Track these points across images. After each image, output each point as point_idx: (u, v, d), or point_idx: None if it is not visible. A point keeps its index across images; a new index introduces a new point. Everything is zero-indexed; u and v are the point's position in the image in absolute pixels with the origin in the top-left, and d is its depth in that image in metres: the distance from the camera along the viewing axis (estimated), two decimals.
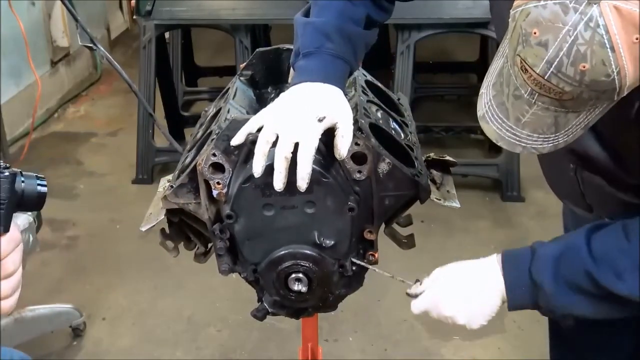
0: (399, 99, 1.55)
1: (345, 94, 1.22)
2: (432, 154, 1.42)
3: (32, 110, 4.00)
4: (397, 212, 1.28)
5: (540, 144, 1.07)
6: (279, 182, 1.12)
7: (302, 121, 1.13)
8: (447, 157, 1.42)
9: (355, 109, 1.28)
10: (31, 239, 2.25)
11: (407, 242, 1.34)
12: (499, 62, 1.10)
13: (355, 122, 1.20)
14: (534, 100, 1.03)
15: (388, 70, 3.86)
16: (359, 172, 1.18)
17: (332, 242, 1.21)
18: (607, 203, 1.33)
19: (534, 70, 0.99)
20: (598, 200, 1.36)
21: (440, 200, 1.32)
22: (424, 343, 2.65)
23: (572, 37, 0.95)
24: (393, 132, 1.36)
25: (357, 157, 1.18)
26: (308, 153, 1.11)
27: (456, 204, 1.33)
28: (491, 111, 1.09)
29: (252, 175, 1.16)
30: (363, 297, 2.80)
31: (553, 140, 1.06)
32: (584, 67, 0.95)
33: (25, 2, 4.32)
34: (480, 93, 1.12)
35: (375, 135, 1.24)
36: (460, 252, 3.37)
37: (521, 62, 1.01)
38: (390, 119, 1.41)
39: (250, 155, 1.15)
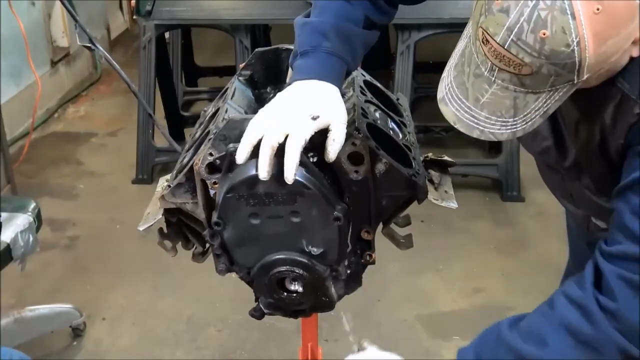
0: (397, 99, 1.55)
1: (343, 94, 1.22)
2: (430, 154, 1.42)
3: (32, 110, 4.00)
4: (395, 212, 1.28)
5: (499, 129, 1.05)
6: (263, 171, 1.08)
7: (295, 117, 1.11)
8: (446, 157, 1.42)
9: (353, 109, 1.27)
10: (31, 239, 2.27)
11: (405, 242, 1.34)
12: (461, 44, 1.10)
13: (353, 122, 1.19)
14: (493, 78, 1.02)
15: (388, 70, 3.86)
16: (356, 172, 1.18)
17: (321, 250, 1.20)
18: (588, 203, 1.33)
19: (494, 40, 0.99)
20: (581, 200, 1.36)
21: (437, 200, 1.32)
22: (424, 343, 2.65)
23: (534, 2, 0.95)
24: (391, 132, 1.35)
25: (354, 157, 1.17)
26: (297, 143, 1.08)
27: (454, 205, 1.33)
28: (451, 92, 1.08)
29: (234, 186, 1.14)
30: (363, 297, 2.81)
31: (511, 125, 1.05)
32: (544, 34, 0.95)
33: (25, 2, 4.32)
34: (441, 77, 1.11)
35: (373, 135, 1.24)
36: (460, 252, 3.42)
37: (482, 34, 1.01)
38: (389, 119, 1.41)
39: (232, 165, 1.14)
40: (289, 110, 1.12)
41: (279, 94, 1.18)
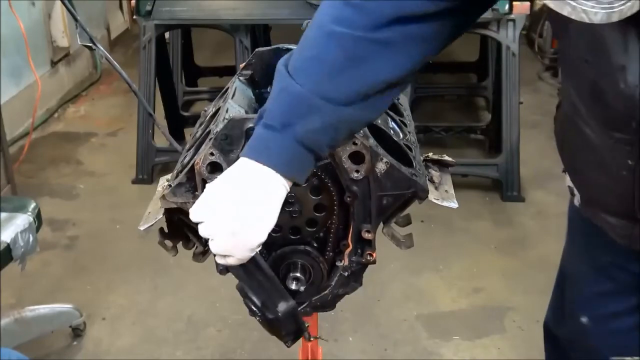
0: (398, 99, 1.55)
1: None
2: (430, 154, 1.42)
3: (32, 110, 4.00)
4: (395, 211, 1.28)
5: (592, 7, 0.94)
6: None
7: (241, 250, 1.07)
8: (446, 157, 1.42)
9: None
10: (31, 239, 2.27)
11: (406, 242, 1.34)
12: None
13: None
14: None
15: None
16: (357, 171, 1.18)
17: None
18: None
19: None
20: None
21: (438, 200, 1.32)
22: (424, 343, 2.65)
23: None
24: (391, 131, 1.36)
25: (355, 157, 1.17)
26: (233, 263, 1.10)
27: (454, 204, 1.33)
28: None
29: None
30: (363, 297, 2.83)
31: (607, 4, 0.94)
32: None
33: (25, 2, 4.32)
34: None
35: (373, 134, 1.24)
36: (460, 252, 3.42)
37: None
38: (389, 119, 1.41)
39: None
40: (236, 239, 1.06)
41: (232, 176, 1.07)
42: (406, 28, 1.03)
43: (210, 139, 1.21)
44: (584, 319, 1.52)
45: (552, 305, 1.68)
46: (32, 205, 2.37)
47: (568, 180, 1.45)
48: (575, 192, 1.43)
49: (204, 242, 1.35)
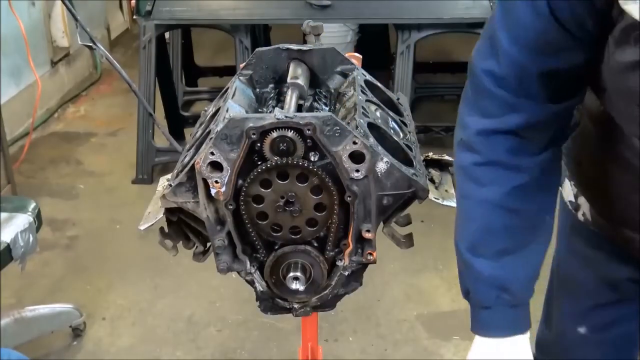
0: (398, 99, 1.55)
1: (344, 93, 1.21)
2: (430, 154, 1.43)
3: (32, 110, 4.00)
4: (396, 211, 1.28)
5: None
6: None
7: None
8: (446, 157, 1.42)
9: (353, 107, 1.28)
10: (31, 239, 2.27)
11: (406, 242, 1.34)
12: None
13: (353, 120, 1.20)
14: None
15: (388, 70, 3.86)
16: (357, 171, 1.18)
17: None
18: None
19: None
20: None
21: (438, 199, 1.32)
22: (423, 343, 2.65)
23: None
24: (392, 131, 1.36)
25: (355, 156, 1.17)
26: None
27: (454, 204, 1.33)
28: None
29: None
30: (363, 297, 2.82)
31: None
32: None
33: (25, 2, 4.32)
34: None
35: (373, 134, 1.24)
36: None
37: None
38: (389, 119, 1.41)
39: None
40: None
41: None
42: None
43: (211, 138, 1.21)
44: (581, 329, 1.49)
45: (544, 321, 1.62)
46: (32, 205, 2.37)
47: (569, 195, 1.40)
48: (582, 207, 1.38)
49: (204, 242, 1.35)
